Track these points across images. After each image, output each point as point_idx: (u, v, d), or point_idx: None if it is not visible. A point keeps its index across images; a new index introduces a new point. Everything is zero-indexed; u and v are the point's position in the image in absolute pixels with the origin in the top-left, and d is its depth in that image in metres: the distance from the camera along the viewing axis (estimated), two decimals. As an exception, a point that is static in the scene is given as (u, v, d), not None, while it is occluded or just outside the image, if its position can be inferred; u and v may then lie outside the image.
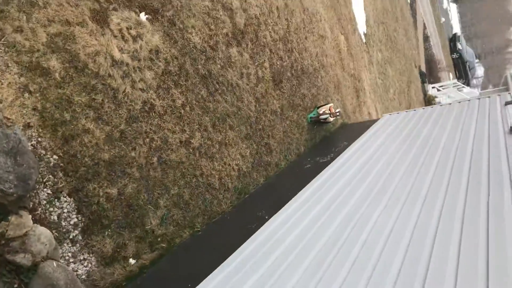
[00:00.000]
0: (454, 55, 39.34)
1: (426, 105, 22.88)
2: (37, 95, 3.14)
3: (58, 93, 3.27)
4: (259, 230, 3.89)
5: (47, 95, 3.20)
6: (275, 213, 4.31)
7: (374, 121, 8.27)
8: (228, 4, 5.57)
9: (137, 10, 4.12)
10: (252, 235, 3.85)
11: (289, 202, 4.43)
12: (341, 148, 6.57)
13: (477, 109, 6.69)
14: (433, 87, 24.75)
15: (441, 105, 7.73)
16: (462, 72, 39.34)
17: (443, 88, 24.57)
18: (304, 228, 3.72)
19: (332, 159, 6.10)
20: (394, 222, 3.40)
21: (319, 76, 8.19)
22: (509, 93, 7.20)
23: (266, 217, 4.38)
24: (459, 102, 7.63)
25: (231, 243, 3.79)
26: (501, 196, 3.33)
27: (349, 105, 9.89)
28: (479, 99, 7.41)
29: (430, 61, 26.51)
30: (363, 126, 7.89)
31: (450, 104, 7.65)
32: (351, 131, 7.91)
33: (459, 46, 38.96)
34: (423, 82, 23.30)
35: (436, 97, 23.65)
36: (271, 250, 3.44)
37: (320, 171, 5.40)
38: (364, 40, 13.23)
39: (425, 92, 22.93)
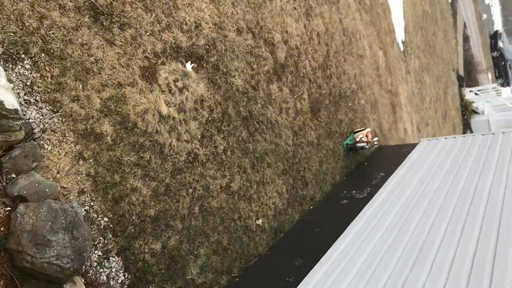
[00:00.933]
0: (495, 53, 37.83)
1: (462, 111, 22.18)
2: (91, 160, 3.24)
3: (109, 156, 3.37)
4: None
5: (100, 160, 3.30)
6: (312, 262, 4.32)
7: (411, 146, 8.08)
8: (270, 39, 5.53)
9: (184, 60, 4.16)
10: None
11: (328, 252, 4.41)
12: (378, 181, 6.48)
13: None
14: (470, 91, 23.91)
15: (483, 135, 7.47)
16: (502, 71, 37.82)
17: (481, 93, 23.71)
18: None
19: (369, 194, 6.04)
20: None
21: (356, 99, 8.06)
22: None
23: (302, 265, 4.41)
24: (503, 132, 7.34)
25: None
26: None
27: (385, 123, 9.70)
28: (525, 131, 7.11)
29: (469, 63, 25.53)
30: (400, 152, 7.73)
31: (494, 134, 7.37)
32: (387, 158, 7.78)
33: (500, 44, 37.41)
34: (460, 86, 22.51)
35: (473, 102, 22.85)
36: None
37: (357, 209, 5.35)
38: (402, 49, 12.89)
39: (462, 98, 22.15)
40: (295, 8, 6.16)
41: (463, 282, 3.39)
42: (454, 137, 7.87)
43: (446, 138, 7.92)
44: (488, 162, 6.01)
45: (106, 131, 3.35)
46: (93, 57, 3.30)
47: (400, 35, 12.99)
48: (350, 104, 7.74)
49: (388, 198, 5.53)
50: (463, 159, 6.47)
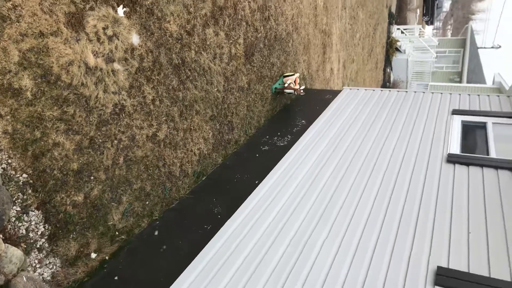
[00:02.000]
0: (427, -10, 38.90)
1: (387, 48, 23.22)
2: (8, 117, 3.06)
3: (29, 111, 3.19)
4: (214, 238, 4.29)
5: (18, 116, 3.12)
6: (230, 211, 4.71)
7: (334, 93, 8.54)
8: (211, -21, 5.21)
9: (115, 4, 3.83)
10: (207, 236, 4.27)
11: (244, 204, 4.81)
12: (300, 129, 6.89)
13: (428, 108, 7.16)
14: (398, 29, 24.87)
15: (398, 91, 8.12)
16: (429, 9, 39.45)
17: (407, 32, 24.79)
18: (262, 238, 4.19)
19: (289, 142, 6.46)
20: (342, 238, 3.96)
21: (290, 41, 8.10)
22: (459, 94, 7.70)
23: (221, 213, 4.80)
24: (414, 92, 8.05)
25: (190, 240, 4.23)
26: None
27: (314, 64, 9.97)
28: (432, 93, 7.86)
29: (402, 0, 26.13)
30: (323, 99, 8.16)
31: (407, 92, 8.05)
32: (311, 103, 8.17)
33: (433, -18, 38.32)
34: (389, 23, 23.26)
35: (398, 40, 23.93)
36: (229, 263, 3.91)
37: (277, 158, 5.76)
38: (342, -17, 12.79)
39: (389, 35, 23.03)
40: None
41: (354, 242, 4.01)
42: (373, 90, 8.45)
43: (366, 89, 8.47)
44: (397, 121, 6.68)
45: (25, 85, 3.13)
46: (10, 2, 2.93)
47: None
48: (283, 46, 7.78)
49: (304, 150, 5.99)
50: (377, 114, 7.08)
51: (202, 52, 5.23)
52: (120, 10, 3.87)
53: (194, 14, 4.96)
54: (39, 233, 3.48)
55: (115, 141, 4.08)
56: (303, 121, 7.23)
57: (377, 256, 3.76)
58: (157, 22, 4.39)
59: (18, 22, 3.00)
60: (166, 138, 4.80)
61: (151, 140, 4.58)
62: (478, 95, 7.50)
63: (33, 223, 3.43)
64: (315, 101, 8.22)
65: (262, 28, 6.78)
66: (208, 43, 5.31)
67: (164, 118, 4.73)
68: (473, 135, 6.39)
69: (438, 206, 4.37)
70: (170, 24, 4.56)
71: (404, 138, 6.09)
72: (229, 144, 6.18)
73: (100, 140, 3.90)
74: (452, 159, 5.27)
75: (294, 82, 7.53)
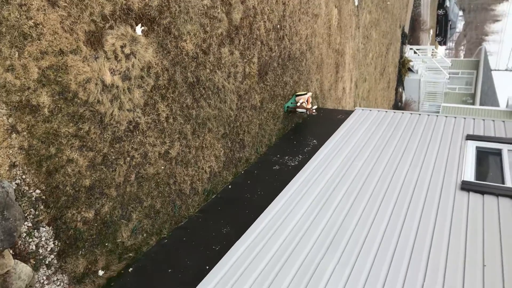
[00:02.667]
0: (440, 11, 39.01)
1: (399, 68, 23.20)
2: (25, 133, 3.08)
3: (45, 127, 3.21)
4: (222, 260, 4.24)
5: (35, 132, 3.15)
6: (239, 232, 4.66)
7: (346, 113, 8.51)
8: (228, -1, 5.27)
9: (134, 23, 3.88)
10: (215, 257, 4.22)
11: (252, 226, 4.75)
12: (311, 149, 6.86)
13: (442, 133, 7.09)
14: (411, 49, 24.88)
15: (411, 114, 8.06)
16: (443, 30, 39.49)
17: (420, 52, 24.77)
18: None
19: (300, 163, 6.42)
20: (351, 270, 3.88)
21: (304, 60, 8.13)
22: (473, 119, 7.62)
23: (229, 233, 4.75)
24: (428, 115, 7.98)
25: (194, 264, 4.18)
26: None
27: (326, 83, 9.97)
28: (446, 117, 7.79)
29: (415, 20, 26.20)
30: (335, 119, 8.14)
31: (420, 115, 7.99)
32: (322, 123, 8.15)
33: (447, 3, 38.45)
34: (402, 43, 23.29)
35: (411, 60, 23.91)
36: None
37: (287, 179, 5.71)
38: (356, 3, 12.87)
39: (402, 55, 23.04)
40: (258, -35, 5.82)
41: (365, 271, 3.92)
42: (386, 111, 8.40)
43: (378, 110, 8.43)
44: (410, 145, 6.61)
45: (43, 102, 3.16)
46: (32, 21, 2.98)
47: (358, -11, 12.88)
48: (297, 65, 7.80)
49: (316, 172, 5.93)
50: (389, 137, 7.02)
51: (217, 70, 5.25)
52: (139, 29, 3.91)
53: (210, 33, 5.00)
54: (48, 249, 3.47)
55: (128, 158, 4.09)
56: (314, 141, 7.20)
57: (388, 286, 3.67)
58: (174, 41, 4.43)
59: (39, 40, 3.05)
60: (178, 156, 4.80)
61: (163, 157, 4.58)
62: (493, 120, 7.40)
63: (43, 239, 3.42)
64: (327, 121, 8.20)
65: (276, 47, 6.82)
66: (223, 61, 5.35)
67: (177, 135, 4.73)
68: (487, 162, 6.29)
69: (452, 236, 4.28)
70: (186, 43, 4.60)
71: (417, 163, 6.02)
72: (239, 162, 6.17)
73: (113, 157, 3.90)
74: (466, 187, 5.17)
75: (307, 101, 7.53)
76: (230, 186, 5.85)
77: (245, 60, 5.90)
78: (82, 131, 3.53)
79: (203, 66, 4.98)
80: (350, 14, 11.85)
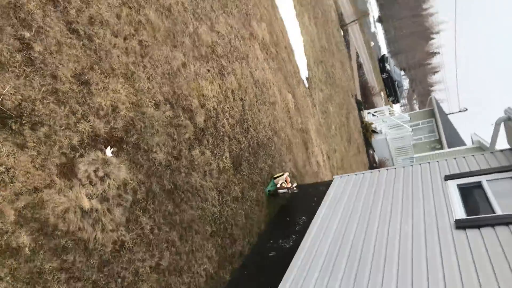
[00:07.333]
0: (384, 75, 42.18)
1: (364, 132, 24.22)
2: (8, 278, 2.96)
3: (29, 267, 3.11)
4: None
5: (18, 275, 3.03)
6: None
7: (326, 184, 8.62)
8: (188, 106, 5.59)
9: (103, 147, 4.02)
10: None
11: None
12: (301, 227, 6.79)
13: (421, 180, 7.24)
14: (368, 113, 26.28)
15: (387, 170, 8.26)
16: (392, 90, 42.31)
17: (378, 114, 26.18)
18: None
19: (295, 242, 6.30)
20: None
21: (272, 144, 8.43)
22: (446, 160, 7.88)
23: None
24: (403, 167, 8.21)
25: None
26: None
27: (300, 161, 10.24)
28: (420, 164, 8.03)
29: (365, 87, 28.14)
30: (317, 192, 8.21)
31: (396, 168, 8.20)
32: (306, 199, 8.19)
33: (387, 66, 41.80)
34: (359, 110, 24.64)
35: (372, 123, 25.11)
36: None
37: (285, 263, 5.54)
38: (307, 85, 13.81)
39: (362, 120, 24.23)
40: (208, 71, 6.32)
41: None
42: (363, 173, 8.59)
43: (356, 174, 8.60)
44: (396, 199, 6.67)
45: (23, 242, 3.10)
46: (3, 166, 3.05)
47: (304, 73, 13.95)
48: (267, 150, 8.06)
49: (311, 251, 5.80)
50: (374, 196, 7.08)
51: (192, 172, 5.36)
52: (108, 151, 4.05)
53: (178, 140, 5.21)
54: None
55: (119, 280, 3.92)
56: (303, 217, 7.17)
57: None
58: (145, 154, 4.58)
59: (12, 183, 3.10)
60: (170, 265, 4.64)
61: (155, 270, 4.42)
62: (464, 157, 7.68)
63: None
64: (310, 196, 8.25)
65: (244, 138, 7.10)
66: (196, 163, 5.49)
67: (165, 245, 4.63)
68: (472, 196, 6.39)
69: (464, 279, 4.18)
70: (157, 154, 4.75)
71: (407, 213, 6.04)
72: (233, 258, 5.99)
73: (103, 282, 3.74)
74: (461, 225, 5.18)
75: (286, 181, 7.65)
76: (228, 286, 5.60)
77: (217, 156, 6.08)
78: (67, 263, 3.42)
79: (177, 171, 5.08)
80: (304, 95, 12.68)
